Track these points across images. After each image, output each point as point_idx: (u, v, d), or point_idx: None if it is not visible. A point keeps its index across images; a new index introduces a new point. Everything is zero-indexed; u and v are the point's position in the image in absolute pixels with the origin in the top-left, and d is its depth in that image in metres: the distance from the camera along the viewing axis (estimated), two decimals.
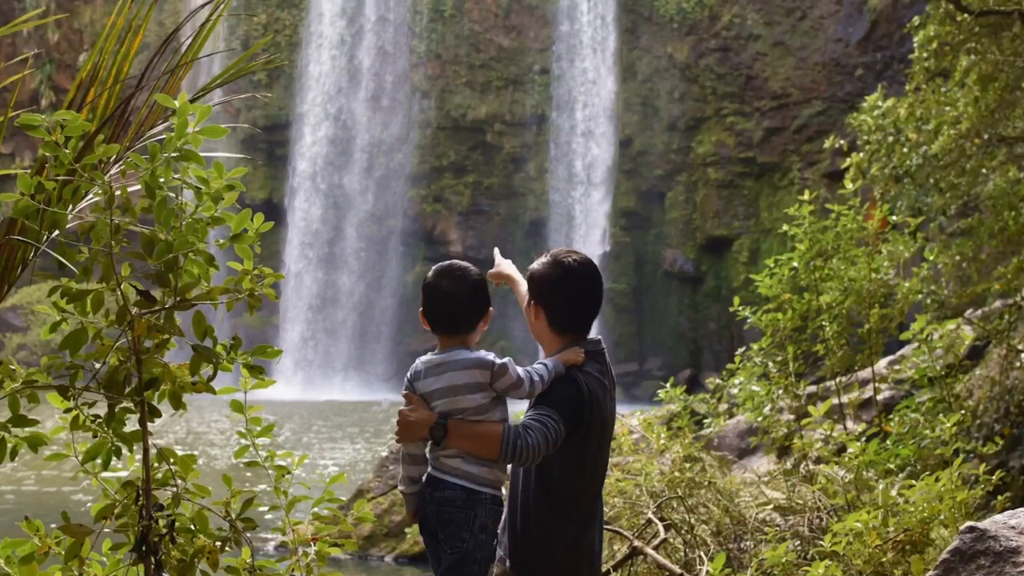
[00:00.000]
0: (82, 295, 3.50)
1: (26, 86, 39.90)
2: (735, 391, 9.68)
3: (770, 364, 9.73)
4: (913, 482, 6.81)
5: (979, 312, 12.78)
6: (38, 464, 17.41)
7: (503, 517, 3.83)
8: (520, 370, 3.69)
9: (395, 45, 41.92)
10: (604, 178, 40.52)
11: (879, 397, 11.08)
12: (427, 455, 3.77)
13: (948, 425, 7.89)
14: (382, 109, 41.74)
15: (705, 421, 10.38)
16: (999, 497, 7.78)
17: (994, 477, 7.30)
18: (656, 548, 7.23)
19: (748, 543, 7.32)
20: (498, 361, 3.66)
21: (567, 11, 41.09)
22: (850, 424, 10.16)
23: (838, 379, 10.55)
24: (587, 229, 40.24)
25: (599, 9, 40.77)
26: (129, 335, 3.51)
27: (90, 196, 3.53)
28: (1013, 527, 4.59)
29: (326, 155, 41.43)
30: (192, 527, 3.68)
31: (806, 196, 10.12)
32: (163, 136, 3.54)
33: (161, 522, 3.59)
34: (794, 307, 10.03)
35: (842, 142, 12.66)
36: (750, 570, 6.77)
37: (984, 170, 11.83)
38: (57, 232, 3.49)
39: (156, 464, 3.65)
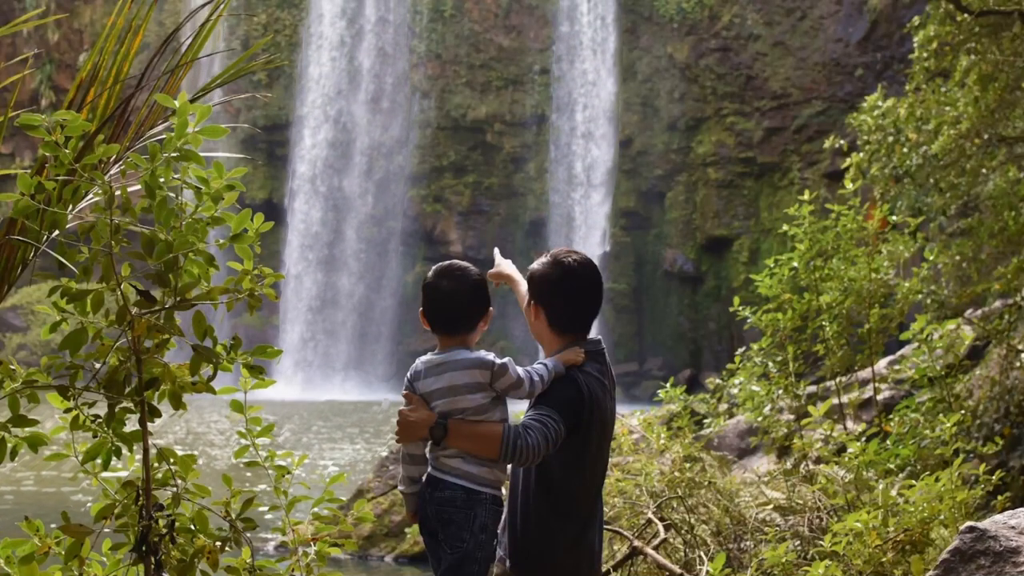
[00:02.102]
0: (82, 295, 3.50)
1: (26, 86, 39.90)
2: (735, 391, 9.68)
3: (770, 364, 9.73)
4: (913, 482, 6.81)
5: (979, 312, 12.78)
6: (38, 464, 17.41)
7: (503, 517, 3.83)
8: (520, 370, 3.70)
9: (395, 46, 41.91)
10: (604, 180, 40.50)
11: (879, 397, 11.07)
12: (427, 455, 3.77)
13: (948, 425, 7.88)
14: (382, 111, 41.73)
15: (705, 421, 10.39)
16: (999, 497, 7.77)
17: (994, 477, 7.29)
18: (656, 548, 7.23)
19: (748, 543, 7.32)
20: (498, 361, 3.67)
21: (567, 12, 41.09)
22: (850, 424, 10.16)
23: (838, 379, 10.55)
24: (587, 231, 40.24)
25: (599, 10, 40.77)
26: (129, 335, 3.51)
27: (90, 196, 3.53)
28: (1013, 527, 4.59)
29: (326, 158, 41.39)
30: (192, 527, 3.68)
31: (806, 196, 10.12)
32: (163, 136, 3.54)
33: (161, 522, 3.59)
34: (794, 307, 10.02)
35: (842, 142, 12.66)
36: (750, 570, 6.77)
37: (984, 170, 11.83)
38: (57, 232, 3.49)
39: (156, 464, 3.65)
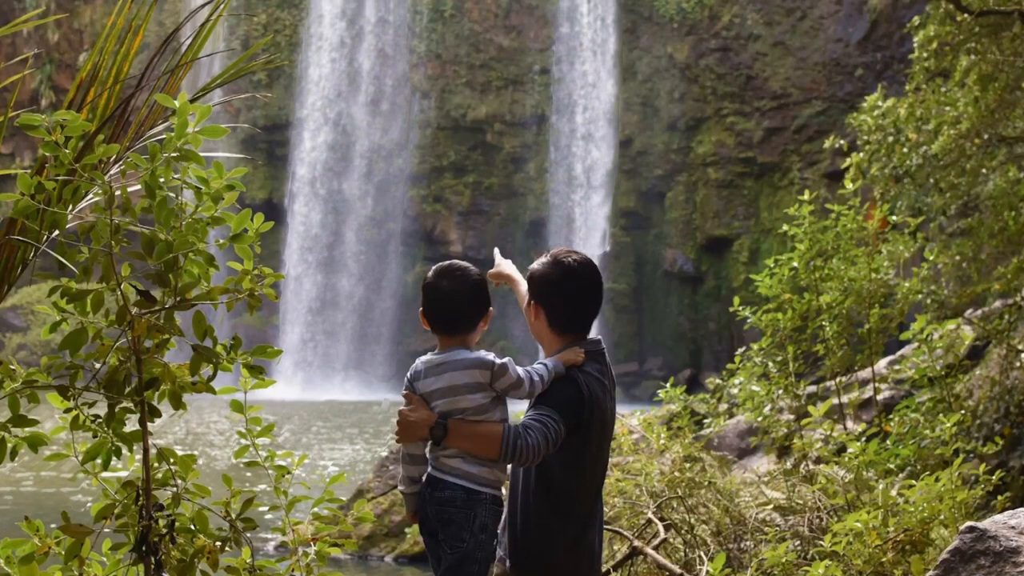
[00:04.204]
0: (82, 295, 3.50)
1: (26, 86, 39.89)
2: (735, 391, 9.67)
3: (770, 364, 9.72)
4: (913, 482, 6.81)
5: (979, 312, 12.78)
6: (38, 464, 17.41)
7: (503, 517, 3.83)
8: (520, 370, 3.70)
9: (395, 47, 41.91)
10: (604, 181, 40.51)
11: (879, 397, 11.07)
12: (427, 455, 3.77)
13: (948, 425, 7.88)
14: (382, 114, 41.72)
15: (705, 421, 10.38)
16: (999, 497, 7.77)
17: (994, 477, 7.29)
18: (656, 548, 7.23)
19: (748, 543, 7.32)
20: (498, 361, 3.67)
21: (567, 12, 41.09)
22: (850, 424, 10.16)
23: (838, 379, 10.55)
24: (587, 232, 40.25)
25: (599, 11, 40.77)
26: (129, 335, 3.51)
27: (90, 196, 3.53)
28: (1013, 527, 4.59)
29: (325, 160, 41.37)
30: (192, 527, 3.68)
31: (806, 196, 10.12)
32: (163, 136, 3.54)
33: (161, 522, 3.59)
34: (794, 307, 10.02)
35: (842, 142, 12.66)
36: (750, 570, 6.77)
37: (984, 170, 11.83)
38: (57, 232, 3.49)
39: (156, 464, 3.65)
